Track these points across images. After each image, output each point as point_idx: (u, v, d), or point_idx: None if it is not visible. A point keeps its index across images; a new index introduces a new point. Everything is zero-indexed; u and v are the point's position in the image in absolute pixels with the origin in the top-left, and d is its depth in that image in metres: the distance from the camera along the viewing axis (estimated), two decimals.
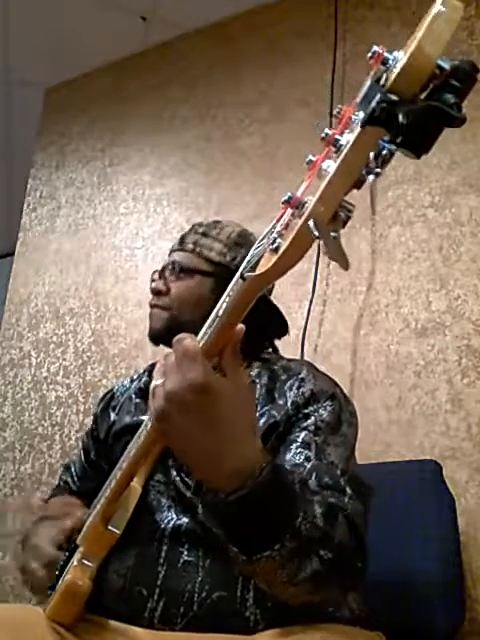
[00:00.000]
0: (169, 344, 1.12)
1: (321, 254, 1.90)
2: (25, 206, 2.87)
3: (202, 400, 0.62)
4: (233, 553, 0.69)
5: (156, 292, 1.13)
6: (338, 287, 1.89)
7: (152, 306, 1.14)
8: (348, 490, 0.84)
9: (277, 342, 1.21)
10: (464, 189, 1.79)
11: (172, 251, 1.20)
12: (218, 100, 2.44)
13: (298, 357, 1.74)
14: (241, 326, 0.65)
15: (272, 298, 1.19)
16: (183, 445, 0.66)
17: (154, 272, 1.18)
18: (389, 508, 1.27)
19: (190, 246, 1.15)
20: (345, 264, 0.53)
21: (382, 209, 1.90)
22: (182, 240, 1.18)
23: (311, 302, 1.87)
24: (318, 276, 1.89)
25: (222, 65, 2.49)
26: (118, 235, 2.50)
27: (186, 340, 0.64)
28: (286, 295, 1.92)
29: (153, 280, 1.18)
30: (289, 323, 1.18)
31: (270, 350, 1.17)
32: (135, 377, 1.24)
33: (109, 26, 2.60)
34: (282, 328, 1.19)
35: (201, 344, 0.64)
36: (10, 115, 3.08)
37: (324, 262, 1.91)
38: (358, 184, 0.53)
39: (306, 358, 1.73)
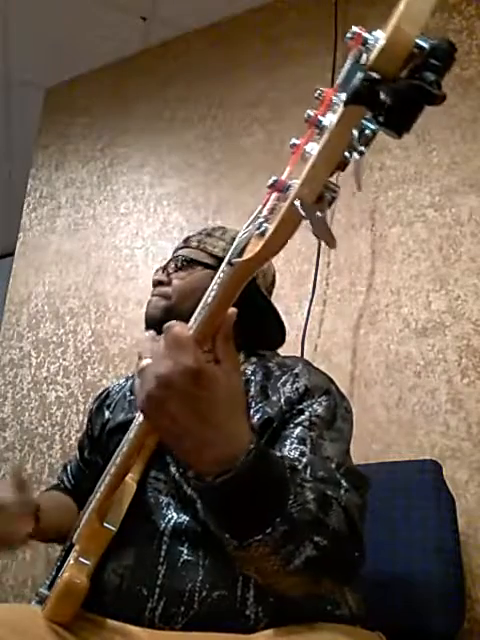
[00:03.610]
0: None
1: (321, 255, 1.90)
2: (25, 206, 2.87)
3: (194, 387, 0.61)
4: (225, 540, 0.68)
5: (157, 283, 1.14)
6: (338, 287, 1.89)
7: (152, 295, 1.15)
8: (344, 483, 0.83)
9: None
10: (464, 189, 1.79)
11: (176, 250, 1.21)
12: (218, 100, 2.44)
13: (296, 355, 1.74)
14: (233, 310, 0.64)
15: (272, 299, 1.20)
16: (172, 431, 0.65)
17: (156, 271, 1.19)
18: (389, 508, 1.27)
19: (194, 243, 1.18)
20: (332, 242, 0.54)
21: (382, 209, 1.90)
22: (186, 239, 1.21)
23: (311, 302, 1.87)
24: (318, 276, 1.89)
25: (222, 65, 2.49)
26: (118, 235, 2.51)
27: (176, 327, 0.63)
28: (286, 295, 1.92)
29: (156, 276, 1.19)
30: (289, 323, 1.18)
31: (264, 347, 1.17)
32: (130, 375, 1.24)
33: (109, 26, 2.60)
34: (280, 336, 1.19)
35: (192, 331, 0.64)
36: (10, 115, 3.08)
37: (324, 262, 1.91)
38: (342, 165, 0.53)
39: (306, 358, 1.73)
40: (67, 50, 2.75)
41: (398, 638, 0.97)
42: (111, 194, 2.61)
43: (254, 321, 1.12)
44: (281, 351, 1.20)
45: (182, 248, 1.19)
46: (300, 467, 0.83)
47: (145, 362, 0.64)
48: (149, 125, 2.62)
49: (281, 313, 1.18)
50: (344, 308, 1.86)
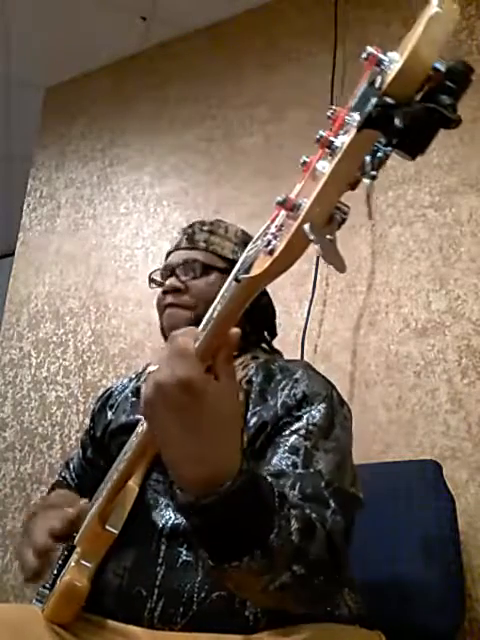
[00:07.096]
0: None
1: None
2: (25, 206, 2.87)
3: (186, 399, 0.61)
4: (203, 556, 0.67)
5: (173, 290, 1.10)
6: (338, 287, 1.89)
7: (170, 305, 1.10)
8: (331, 503, 0.81)
9: (277, 342, 1.20)
10: (464, 189, 1.79)
11: (178, 249, 1.16)
12: (218, 100, 2.44)
13: (298, 357, 1.74)
14: (236, 331, 0.63)
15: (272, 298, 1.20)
16: (160, 438, 0.64)
17: (153, 272, 1.17)
18: (389, 508, 1.27)
19: (202, 245, 1.13)
20: (341, 267, 0.52)
21: (382, 209, 1.90)
22: (191, 239, 1.15)
23: (311, 302, 1.87)
24: (318, 276, 1.89)
25: (222, 65, 2.49)
26: (118, 235, 2.51)
27: (179, 338, 0.63)
28: (286, 295, 1.92)
29: (152, 279, 1.16)
30: (289, 323, 1.18)
31: (269, 348, 1.17)
32: (133, 376, 1.23)
33: (109, 26, 2.60)
34: (273, 328, 1.19)
35: (197, 344, 0.62)
36: (10, 115, 3.08)
37: (324, 262, 1.91)
38: (353, 185, 0.52)
39: (306, 358, 1.73)
40: (67, 50, 2.75)
41: (398, 638, 0.97)
42: (111, 194, 2.61)
43: (256, 319, 1.12)
44: (281, 350, 1.20)
45: (188, 249, 1.14)
46: (289, 483, 0.82)
47: (150, 368, 0.65)
48: (149, 125, 2.62)
49: (281, 313, 1.18)
50: (344, 308, 1.86)
